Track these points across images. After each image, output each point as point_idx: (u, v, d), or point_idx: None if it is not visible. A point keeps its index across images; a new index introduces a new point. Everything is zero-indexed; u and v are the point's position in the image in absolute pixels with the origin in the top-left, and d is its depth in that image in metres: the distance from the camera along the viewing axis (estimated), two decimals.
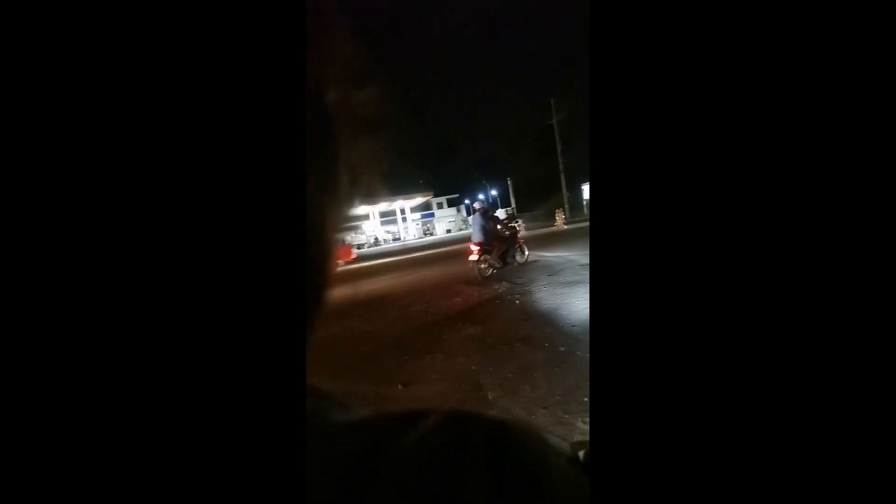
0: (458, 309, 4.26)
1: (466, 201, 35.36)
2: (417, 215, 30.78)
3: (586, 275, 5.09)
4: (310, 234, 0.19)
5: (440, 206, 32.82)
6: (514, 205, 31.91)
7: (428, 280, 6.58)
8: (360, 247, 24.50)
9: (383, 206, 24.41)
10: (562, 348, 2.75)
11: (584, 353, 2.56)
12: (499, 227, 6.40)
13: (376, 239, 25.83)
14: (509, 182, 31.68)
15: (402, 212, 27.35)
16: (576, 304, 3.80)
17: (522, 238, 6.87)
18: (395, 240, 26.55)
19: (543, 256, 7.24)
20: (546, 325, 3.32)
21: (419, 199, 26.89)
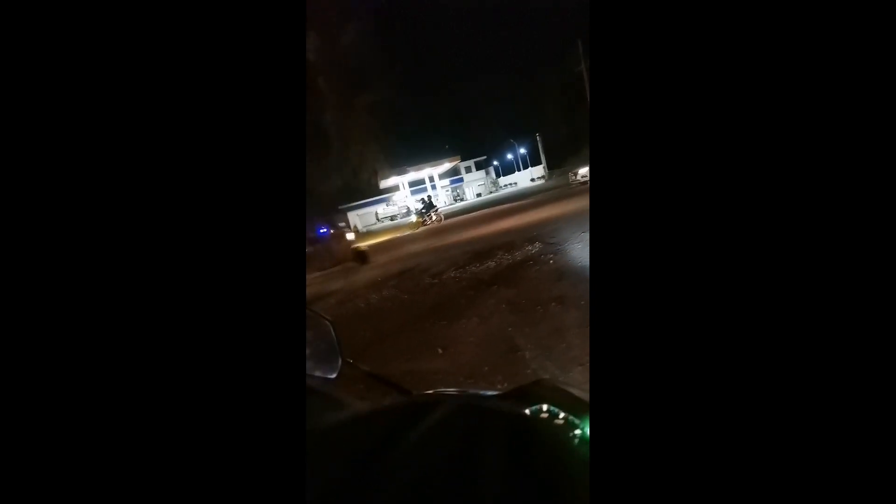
0: (492, 272, 4.29)
1: (495, 162, 34.49)
2: (446, 181, 30.44)
3: None
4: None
5: (468, 170, 32.19)
6: (544, 162, 30.76)
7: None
8: (392, 218, 24.59)
9: (412, 175, 24.28)
10: None
11: None
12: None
13: (408, 209, 25.86)
14: (538, 138, 30.47)
15: (431, 179, 27.15)
16: None
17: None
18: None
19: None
20: (580, 283, 3.29)
21: (447, 165, 26.48)
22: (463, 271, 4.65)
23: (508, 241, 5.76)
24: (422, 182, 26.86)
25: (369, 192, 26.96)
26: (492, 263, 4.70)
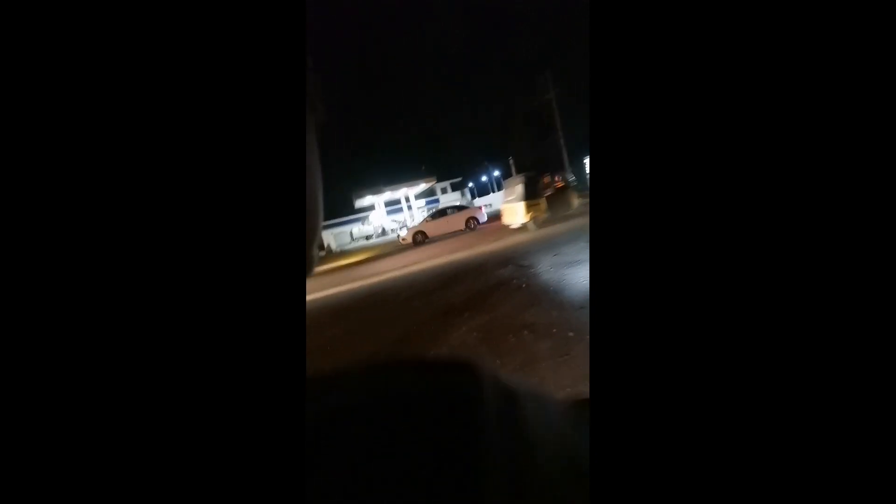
0: (462, 298, 4.17)
1: (470, 184, 34.97)
2: (422, 202, 30.53)
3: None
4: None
5: (444, 190, 32.48)
6: None
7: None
8: (368, 237, 24.36)
9: (387, 194, 24.22)
10: (570, 334, 2.64)
11: None
12: None
13: (383, 229, 25.72)
14: (511, 162, 31.19)
15: (407, 199, 27.20)
16: (582, 284, 3.67)
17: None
18: (401, 228, 26.50)
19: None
20: (552, 309, 3.21)
21: (423, 186, 26.61)
22: (431, 297, 4.51)
23: (481, 263, 5.68)
24: (397, 202, 26.89)
25: (344, 210, 26.69)
26: (460, 288, 4.59)
